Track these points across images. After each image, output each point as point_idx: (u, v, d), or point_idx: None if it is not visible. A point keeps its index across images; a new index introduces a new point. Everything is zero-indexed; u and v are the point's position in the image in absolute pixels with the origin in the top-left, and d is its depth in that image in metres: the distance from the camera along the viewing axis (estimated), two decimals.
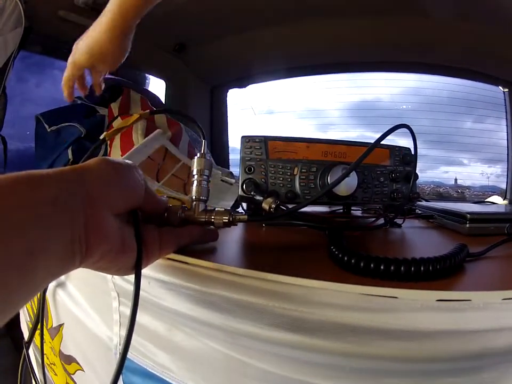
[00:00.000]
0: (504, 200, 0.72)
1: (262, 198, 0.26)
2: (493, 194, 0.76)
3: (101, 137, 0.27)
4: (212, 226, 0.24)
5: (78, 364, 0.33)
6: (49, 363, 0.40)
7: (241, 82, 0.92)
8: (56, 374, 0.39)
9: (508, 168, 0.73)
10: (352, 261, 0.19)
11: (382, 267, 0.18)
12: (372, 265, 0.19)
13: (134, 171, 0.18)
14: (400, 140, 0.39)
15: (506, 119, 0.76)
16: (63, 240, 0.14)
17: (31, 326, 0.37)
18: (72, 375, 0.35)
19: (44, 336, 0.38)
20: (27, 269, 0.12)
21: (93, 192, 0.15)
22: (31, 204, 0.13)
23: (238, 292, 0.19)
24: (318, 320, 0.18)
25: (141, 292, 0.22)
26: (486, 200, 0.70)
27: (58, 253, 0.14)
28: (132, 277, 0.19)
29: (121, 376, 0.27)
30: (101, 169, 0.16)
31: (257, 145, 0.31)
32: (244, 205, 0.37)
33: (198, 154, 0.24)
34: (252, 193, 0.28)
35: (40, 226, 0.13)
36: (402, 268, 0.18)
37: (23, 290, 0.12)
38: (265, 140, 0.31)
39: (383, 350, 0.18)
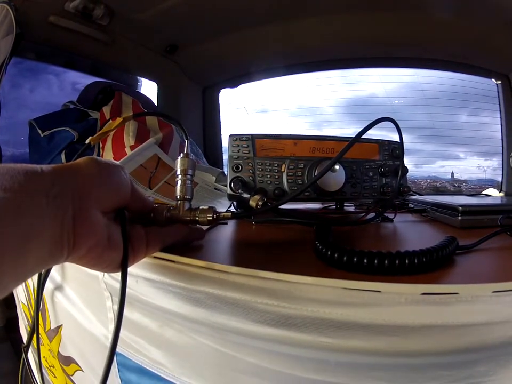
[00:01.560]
0: (500, 192, 0.72)
1: (249, 195, 0.26)
2: (489, 187, 0.76)
3: (87, 141, 0.27)
4: (197, 225, 0.24)
5: (77, 364, 0.33)
6: (48, 366, 0.40)
7: (233, 82, 0.92)
8: (55, 377, 0.39)
9: (502, 160, 0.73)
10: (335, 255, 0.19)
11: (365, 261, 0.18)
12: (354, 259, 0.18)
13: (120, 170, 0.19)
14: (396, 135, 0.39)
15: (500, 111, 0.75)
16: (54, 231, 0.14)
17: (29, 329, 0.37)
18: (71, 376, 0.35)
19: (42, 339, 0.38)
20: (20, 254, 0.13)
21: (81, 189, 0.16)
22: (27, 193, 0.14)
23: (222, 289, 0.19)
24: (301, 316, 0.18)
25: (129, 291, 0.23)
26: (481, 193, 0.70)
27: (49, 243, 0.14)
28: None
29: (118, 374, 0.27)
30: (89, 168, 0.17)
31: (245, 144, 0.31)
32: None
33: (181, 154, 0.24)
34: (240, 191, 0.28)
35: (35, 215, 0.14)
36: (386, 262, 0.18)
37: (14, 273, 0.13)
38: (252, 138, 0.31)
39: (367, 344, 0.17)
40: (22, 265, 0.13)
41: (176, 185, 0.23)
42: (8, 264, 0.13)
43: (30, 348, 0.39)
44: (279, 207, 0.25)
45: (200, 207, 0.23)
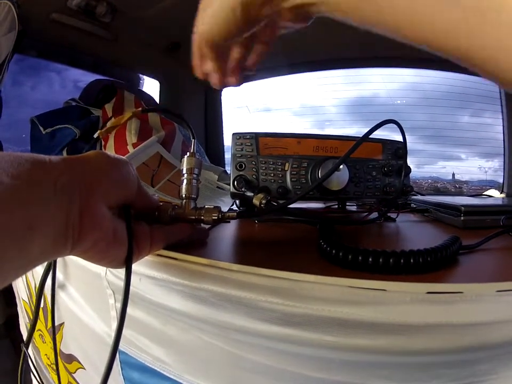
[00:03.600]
0: (501, 193, 0.72)
1: (252, 194, 0.26)
2: (490, 188, 0.76)
3: (95, 135, 0.27)
4: (202, 224, 0.24)
5: (79, 362, 0.33)
6: (50, 363, 0.40)
7: None
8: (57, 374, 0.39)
9: (504, 161, 0.73)
10: (340, 254, 0.19)
11: (370, 260, 0.18)
12: (360, 258, 0.18)
13: (129, 166, 0.19)
14: (398, 135, 0.39)
15: (502, 112, 0.75)
16: (59, 222, 0.14)
17: (30, 327, 0.37)
18: (73, 374, 0.35)
19: (44, 337, 0.38)
20: (24, 242, 0.13)
21: (89, 181, 0.16)
22: (35, 182, 0.13)
23: (226, 287, 0.19)
24: (306, 314, 0.18)
25: (132, 289, 0.23)
26: (482, 194, 0.70)
27: (53, 233, 0.14)
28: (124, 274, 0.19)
29: (121, 372, 0.27)
30: (98, 161, 0.17)
31: (248, 142, 0.31)
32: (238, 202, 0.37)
33: (188, 154, 0.24)
34: (243, 189, 0.28)
35: (41, 204, 0.13)
36: (391, 260, 0.18)
37: (17, 262, 0.13)
38: (256, 136, 0.31)
39: (372, 343, 0.17)
40: (26, 254, 0.13)
41: (182, 184, 0.23)
42: (11, 252, 0.13)
43: (31, 345, 0.39)
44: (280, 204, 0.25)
45: (206, 206, 0.23)
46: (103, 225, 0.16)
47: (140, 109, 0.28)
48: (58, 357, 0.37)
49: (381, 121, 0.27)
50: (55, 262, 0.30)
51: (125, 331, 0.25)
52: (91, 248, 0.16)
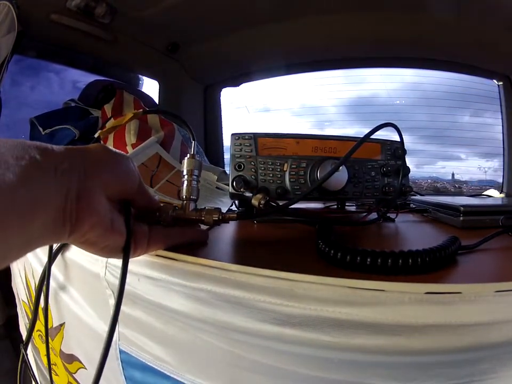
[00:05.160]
0: (500, 193, 0.72)
1: (251, 194, 0.26)
2: (490, 188, 0.76)
3: (96, 135, 0.27)
4: (202, 225, 0.24)
5: (80, 362, 0.33)
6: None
7: (235, 81, 0.92)
8: (57, 375, 0.39)
9: (503, 161, 0.73)
10: (338, 254, 0.19)
11: (368, 260, 0.18)
12: (358, 258, 0.18)
13: (130, 162, 0.19)
14: (396, 135, 0.39)
15: (501, 112, 0.75)
16: (58, 203, 0.15)
17: (29, 327, 0.37)
18: (74, 374, 0.35)
19: (43, 338, 0.38)
20: (27, 219, 0.14)
21: (89, 170, 0.16)
22: (37, 164, 0.14)
23: (225, 287, 0.19)
24: (304, 314, 0.18)
25: (131, 289, 0.23)
26: (482, 194, 0.70)
27: (53, 213, 0.15)
28: None
29: (122, 371, 0.27)
30: (99, 153, 0.17)
31: (247, 142, 0.31)
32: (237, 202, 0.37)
33: (188, 155, 0.24)
34: (242, 190, 0.28)
35: (42, 184, 0.14)
36: (389, 261, 0.18)
37: (19, 240, 0.14)
38: (254, 136, 0.31)
39: (370, 343, 0.17)
40: (27, 231, 0.14)
41: (182, 185, 0.24)
42: (14, 228, 0.13)
43: (30, 345, 0.39)
44: (281, 206, 0.25)
45: (206, 208, 0.23)
46: (100, 211, 0.17)
47: (141, 110, 0.28)
48: (59, 358, 0.37)
49: (379, 124, 0.27)
50: (49, 266, 0.30)
51: (125, 330, 0.25)
52: (88, 232, 0.17)
